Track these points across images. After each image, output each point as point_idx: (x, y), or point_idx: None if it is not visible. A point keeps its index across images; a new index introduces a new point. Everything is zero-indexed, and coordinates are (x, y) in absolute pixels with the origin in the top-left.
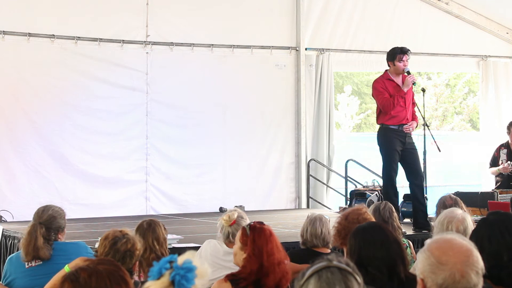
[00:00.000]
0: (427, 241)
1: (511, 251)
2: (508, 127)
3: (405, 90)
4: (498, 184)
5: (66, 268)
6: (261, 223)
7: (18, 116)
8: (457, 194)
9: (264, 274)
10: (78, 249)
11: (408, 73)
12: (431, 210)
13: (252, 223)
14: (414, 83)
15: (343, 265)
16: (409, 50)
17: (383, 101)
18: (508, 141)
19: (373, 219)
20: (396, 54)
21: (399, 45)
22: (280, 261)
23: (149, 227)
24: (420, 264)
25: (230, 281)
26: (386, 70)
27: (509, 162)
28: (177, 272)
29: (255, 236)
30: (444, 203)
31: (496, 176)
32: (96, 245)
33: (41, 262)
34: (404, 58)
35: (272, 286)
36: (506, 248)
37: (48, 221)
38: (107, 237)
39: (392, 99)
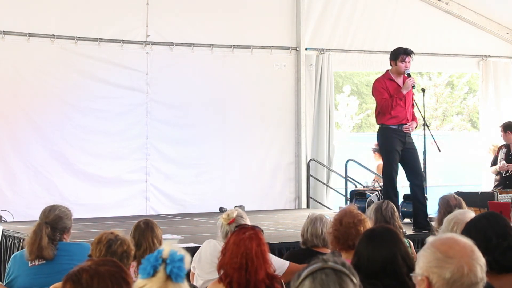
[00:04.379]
0: (429, 240)
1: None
2: (503, 129)
3: (404, 92)
4: (496, 183)
5: None
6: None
7: (18, 116)
8: (457, 194)
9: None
10: (82, 250)
11: (409, 75)
12: (431, 210)
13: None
14: (413, 86)
15: (339, 266)
16: (412, 52)
17: (382, 101)
18: None
19: (367, 218)
20: (399, 54)
21: (399, 45)
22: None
23: (147, 227)
24: (423, 262)
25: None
26: (388, 70)
27: (503, 162)
28: (173, 265)
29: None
30: (448, 203)
31: (495, 175)
32: None
33: (44, 262)
34: (406, 60)
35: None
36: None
37: (54, 221)
38: (100, 240)
39: (391, 100)
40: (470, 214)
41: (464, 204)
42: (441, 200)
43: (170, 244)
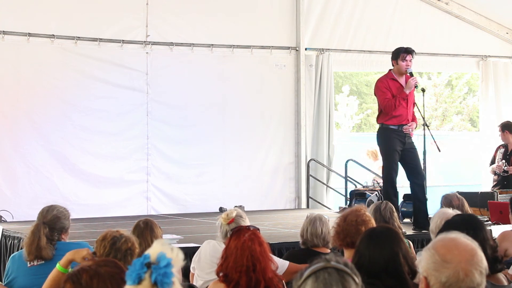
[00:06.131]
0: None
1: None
2: (501, 129)
3: (407, 92)
4: (494, 183)
5: (58, 267)
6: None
7: (18, 116)
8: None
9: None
10: None
11: (411, 74)
12: (431, 210)
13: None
14: (416, 86)
15: (341, 265)
16: (413, 51)
17: (385, 101)
18: None
19: (372, 220)
20: (400, 53)
21: (399, 45)
22: None
23: (147, 226)
24: (424, 262)
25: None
26: (390, 70)
27: (503, 161)
28: (158, 273)
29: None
30: (451, 203)
31: (494, 175)
32: None
33: (43, 262)
34: (407, 58)
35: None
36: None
37: (52, 221)
38: (105, 237)
39: (394, 100)
40: (449, 210)
41: (466, 204)
42: (444, 199)
43: (160, 244)
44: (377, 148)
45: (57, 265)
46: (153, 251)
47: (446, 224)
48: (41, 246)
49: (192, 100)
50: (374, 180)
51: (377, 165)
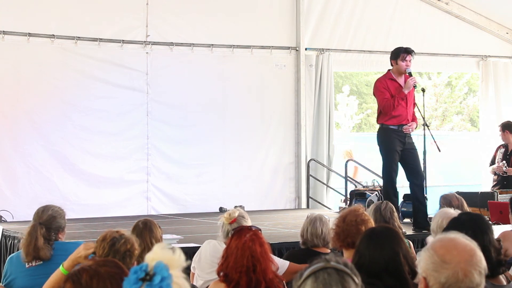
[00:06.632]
0: (429, 239)
1: (484, 250)
2: (502, 129)
3: (406, 92)
4: (494, 183)
5: (62, 270)
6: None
7: (18, 116)
8: (457, 194)
9: None
10: None
11: (410, 74)
12: (431, 210)
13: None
14: (415, 86)
15: (341, 265)
16: (413, 51)
17: (384, 101)
18: None
19: (371, 219)
20: (400, 53)
21: (399, 45)
22: None
23: (146, 227)
24: (422, 262)
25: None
26: (389, 70)
27: (504, 162)
28: None
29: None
30: (450, 203)
31: (493, 175)
32: None
33: (41, 262)
34: (407, 58)
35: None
36: (481, 247)
37: (48, 221)
38: (104, 238)
39: (392, 100)
40: (450, 210)
41: (465, 204)
42: (443, 199)
43: (160, 249)
44: (352, 148)
45: (61, 268)
46: (151, 260)
47: (452, 221)
48: (39, 247)
49: (192, 100)
50: (350, 179)
51: (353, 164)
